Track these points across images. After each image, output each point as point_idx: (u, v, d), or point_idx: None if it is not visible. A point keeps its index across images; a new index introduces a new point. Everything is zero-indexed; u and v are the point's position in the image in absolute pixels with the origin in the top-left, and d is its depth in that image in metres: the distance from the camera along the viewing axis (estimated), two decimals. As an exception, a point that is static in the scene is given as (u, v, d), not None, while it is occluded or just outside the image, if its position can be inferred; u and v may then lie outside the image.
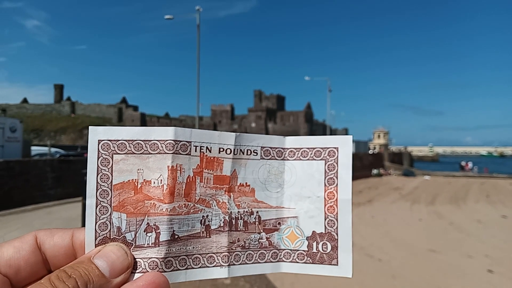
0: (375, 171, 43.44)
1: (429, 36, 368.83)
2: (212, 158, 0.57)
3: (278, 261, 0.60)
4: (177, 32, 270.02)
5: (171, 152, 0.55)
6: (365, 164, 42.09)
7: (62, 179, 14.84)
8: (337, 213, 0.59)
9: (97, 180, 0.53)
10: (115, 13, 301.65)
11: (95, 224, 0.52)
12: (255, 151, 0.60)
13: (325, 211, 0.59)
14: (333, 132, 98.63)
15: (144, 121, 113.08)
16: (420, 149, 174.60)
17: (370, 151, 64.87)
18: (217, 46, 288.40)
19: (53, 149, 25.80)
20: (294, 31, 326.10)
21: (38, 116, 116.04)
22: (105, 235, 0.52)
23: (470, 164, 57.42)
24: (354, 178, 36.77)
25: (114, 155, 0.54)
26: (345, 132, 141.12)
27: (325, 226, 0.59)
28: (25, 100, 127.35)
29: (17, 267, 0.47)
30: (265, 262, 0.60)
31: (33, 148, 23.19)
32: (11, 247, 0.48)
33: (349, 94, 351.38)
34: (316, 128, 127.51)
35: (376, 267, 10.12)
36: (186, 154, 0.56)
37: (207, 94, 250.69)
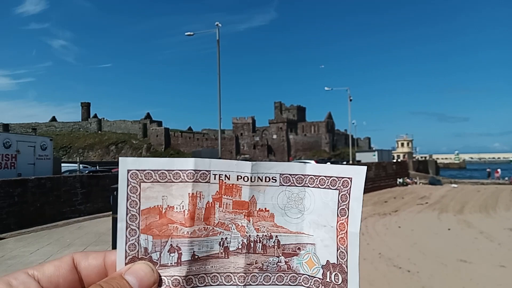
0: (400, 180, 42.66)
1: (452, 44, 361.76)
2: (231, 185, 0.62)
3: (297, 285, 0.63)
4: (198, 47, 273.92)
5: (192, 180, 0.60)
6: (389, 173, 41.39)
7: (91, 195, 15.23)
8: (347, 246, 0.60)
9: (127, 205, 0.59)
10: (138, 31, 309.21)
11: (125, 245, 0.58)
12: (273, 178, 0.63)
13: (337, 242, 0.61)
14: (355, 141, 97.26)
15: (168, 135, 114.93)
16: (445, 157, 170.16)
17: (393, 159, 63.71)
18: (237, 59, 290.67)
19: (81, 166, 26.54)
20: (314, 42, 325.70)
21: (66, 133, 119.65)
22: (134, 254, 0.58)
23: (499, 171, 55.45)
24: (379, 187, 36.38)
25: (141, 183, 0.59)
26: (368, 141, 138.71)
27: (337, 257, 0.60)
28: (53, 119, 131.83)
29: (56, 283, 0.53)
30: (283, 285, 0.63)
31: (63, 165, 23.93)
32: (51, 266, 0.54)
33: (371, 103, 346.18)
34: (338, 138, 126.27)
35: (404, 279, 9.94)
36: (205, 182, 0.61)
37: (229, 107, 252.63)
